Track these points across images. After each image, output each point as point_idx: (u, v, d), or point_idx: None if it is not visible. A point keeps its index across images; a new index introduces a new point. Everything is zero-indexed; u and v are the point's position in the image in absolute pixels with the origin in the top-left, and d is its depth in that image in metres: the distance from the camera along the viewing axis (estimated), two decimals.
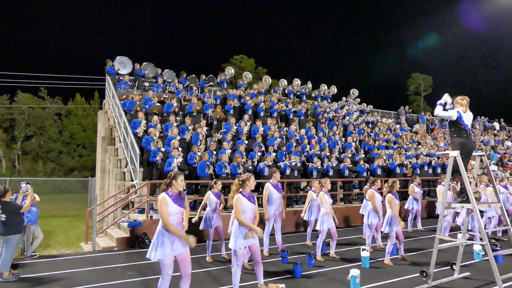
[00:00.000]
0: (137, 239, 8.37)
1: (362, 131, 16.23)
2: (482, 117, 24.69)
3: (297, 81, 17.93)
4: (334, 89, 18.95)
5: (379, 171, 12.69)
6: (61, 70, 49.30)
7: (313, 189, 8.13)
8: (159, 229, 4.26)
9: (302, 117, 15.92)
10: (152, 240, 4.28)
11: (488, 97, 50.96)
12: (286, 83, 17.83)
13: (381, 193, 7.68)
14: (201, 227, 7.13)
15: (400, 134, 17.67)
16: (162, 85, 14.75)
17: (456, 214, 9.35)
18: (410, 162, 13.74)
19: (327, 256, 7.39)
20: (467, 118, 5.60)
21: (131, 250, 8.07)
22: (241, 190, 5.10)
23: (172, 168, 9.53)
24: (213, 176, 9.85)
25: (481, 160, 5.99)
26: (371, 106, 19.69)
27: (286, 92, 17.74)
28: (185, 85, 15.58)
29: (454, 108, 5.65)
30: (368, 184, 9.38)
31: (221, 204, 7.40)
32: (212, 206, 7.05)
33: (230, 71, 16.70)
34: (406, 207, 10.53)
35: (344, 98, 19.31)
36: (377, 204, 7.46)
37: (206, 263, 6.99)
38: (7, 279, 5.91)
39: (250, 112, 14.24)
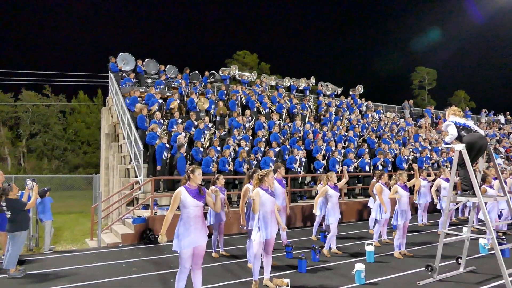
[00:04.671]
0: (141, 235, 8.41)
1: (366, 126, 16.15)
2: (486, 111, 24.48)
3: (303, 79, 17.87)
4: (338, 90, 18.88)
5: (380, 166, 12.62)
6: (65, 68, 49.42)
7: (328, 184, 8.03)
8: (178, 221, 4.36)
9: (306, 112, 15.86)
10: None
11: (493, 91, 50.53)
12: (289, 80, 17.82)
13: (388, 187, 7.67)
14: (207, 222, 7.12)
15: (406, 128, 17.58)
16: (164, 81, 14.73)
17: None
18: (414, 157, 13.69)
19: (330, 250, 7.38)
20: (463, 121, 5.64)
21: (136, 246, 8.11)
22: (261, 184, 5.21)
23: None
24: (217, 172, 9.85)
25: (487, 153, 5.94)
26: (370, 102, 19.48)
27: (290, 87, 17.70)
28: (188, 82, 15.55)
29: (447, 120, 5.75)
30: (375, 178, 9.35)
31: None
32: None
33: (234, 69, 16.61)
34: (414, 201, 10.51)
35: (351, 94, 19.17)
36: (384, 199, 7.44)
37: (219, 257, 7.02)
38: (14, 275, 5.96)
39: (254, 108, 14.22)
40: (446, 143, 5.83)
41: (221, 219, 7.07)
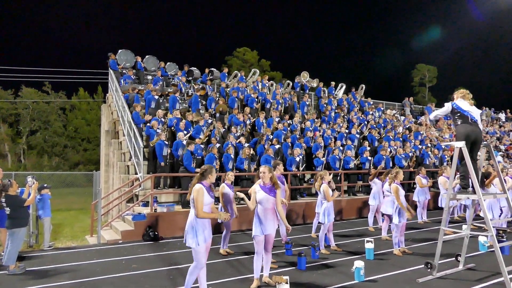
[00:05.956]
0: (141, 232, 8.41)
1: (366, 123, 16.13)
2: (486, 108, 24.45)
3: (306, 74, 17.82)
4: (340, 93, 18.91)
5: (382, 163, 12.60)
6: (65, 65, 49.39)
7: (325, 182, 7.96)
8: (192, 218, 4.37)
9: (306, 109, 15.84)
10: (186, 228, 4.41)
11: (494, 88, 50.42)
12: (289, 82, 17.88)
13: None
14: (219, 219, 7.10)
15: (408, 125, 17.59)
16: (162, 78, 14.65)
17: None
18: (414, 155, 13.67)
19: (329, 248, 7.39)
20: (467, 108, 5.54)
21: (136, 242, 8.11)
22: (262, 182, 5.19)
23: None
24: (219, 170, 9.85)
25: (487, 151, 5.92)
26: (370, 99, 19.53)
27: (293, 84, 17.73)
28: (187, 79, 15.52)
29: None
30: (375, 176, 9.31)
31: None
32: (227, 197, 7.04)
33: (231, 74, 16.80)
34: (413, 198, 10.51)
35: (351, 92, 19.16)
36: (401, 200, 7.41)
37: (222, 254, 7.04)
38: (13, 272, 5.96)
39: (254, 105, 14.18)
40: (430, 120, 5.90)
41: (232, 215, 7.08)
